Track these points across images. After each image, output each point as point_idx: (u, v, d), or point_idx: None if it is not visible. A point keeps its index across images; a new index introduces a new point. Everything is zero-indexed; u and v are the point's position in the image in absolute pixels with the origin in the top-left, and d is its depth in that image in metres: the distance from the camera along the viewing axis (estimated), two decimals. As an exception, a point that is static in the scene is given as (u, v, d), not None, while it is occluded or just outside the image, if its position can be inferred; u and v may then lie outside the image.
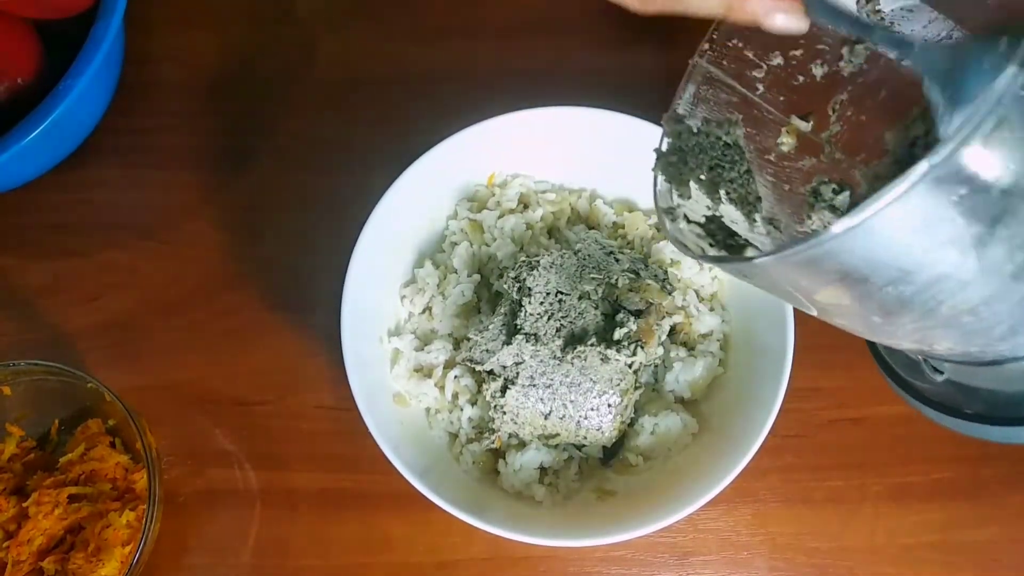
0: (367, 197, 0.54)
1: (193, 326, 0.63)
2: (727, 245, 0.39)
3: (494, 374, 0.54)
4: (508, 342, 0.53)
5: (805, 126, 0.42)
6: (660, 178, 0.41)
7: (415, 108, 0.67)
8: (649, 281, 0.54)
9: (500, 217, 0.59)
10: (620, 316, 0.53)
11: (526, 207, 0.60)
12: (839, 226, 0.26)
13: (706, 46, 0.42)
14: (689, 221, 0.40)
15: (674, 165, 0.41)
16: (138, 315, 0.63)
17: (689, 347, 0.57)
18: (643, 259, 0.57)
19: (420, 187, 0.56)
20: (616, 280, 0.54)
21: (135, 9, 0.64)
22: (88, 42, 0.56)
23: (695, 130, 0.41)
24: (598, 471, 0.57)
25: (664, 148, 0.41)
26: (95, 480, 0.56)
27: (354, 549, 0.58)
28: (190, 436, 0.60)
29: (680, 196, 0.41)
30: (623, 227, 0.60)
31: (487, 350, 0.54)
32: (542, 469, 0.56)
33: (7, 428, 0.58)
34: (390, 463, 0.50)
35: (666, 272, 0.56)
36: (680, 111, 0.41)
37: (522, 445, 0.55)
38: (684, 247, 0.37)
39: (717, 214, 0.40)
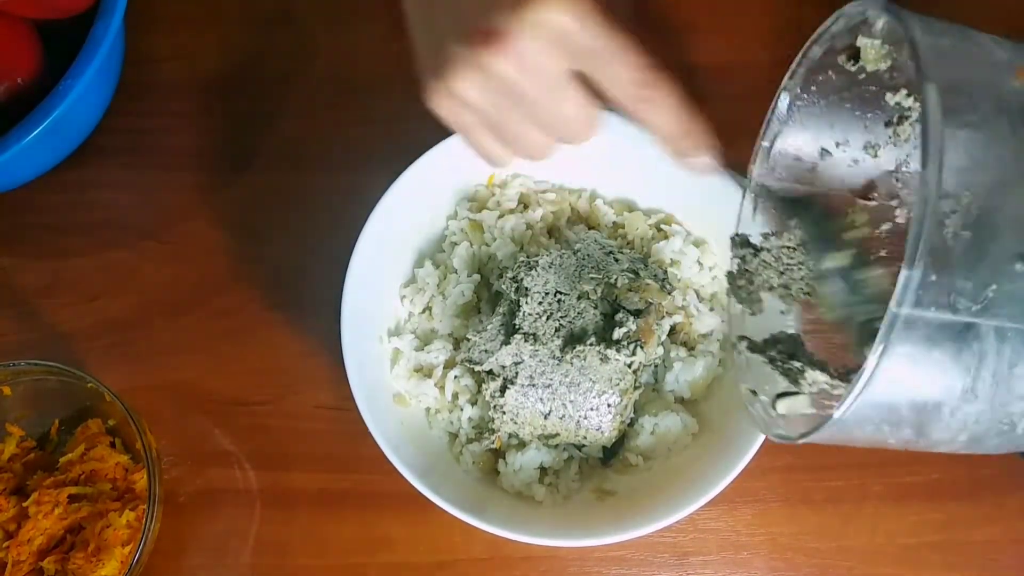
0: (367, 197, 0.54)
1: (193, 326, 0.63)
2: (786, 370, 0.41)
3: (493, 374, 0.54)
4: (507, 342, 0.53)
5: (872, 203, 0.44)
6: (733, 303, 0.43)
7: (415, 108, 0.67)
8: (648, 281, 0.54)
9: (500, 217, 0.59)
10: (619, 316, 0.53)
11: (526, 207, 0.60)
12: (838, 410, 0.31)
13: (754, 165, 0.44)
14: (752, 349, 0.41)
15: (743, 287, 0.42)
16: (138, 315, 0.63)
17: (689, 347, 0.57)
18: (643, 259, 0.57)
19: (420, 187, 0.56)
20: (615, 280, 0.54)
21: (135, 9, 0.64)
22: (88, 42, 0.56)
23: (758, 246, 0.42)
24: (598, 471, 0.57)
25: (734, 270, 0.42)
26: (95, 480, 0.56)
27: (354, 549, 0.58)
28: (190, 436, 0.60)
29: (752, 313, 0.43)
30: (623, 227, 0.60)
31: (486, 350, 0.54)
32: (542, 469, 0.56)
33: (7, 428, 0.58)
34: (390, 463, 0.50)
35: (666, 272, 0.56)
36: (743, 231, 0.42)
37: (522, 445, 0.55)
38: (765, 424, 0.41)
39: (784, 331, 0.43)
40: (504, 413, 0.53)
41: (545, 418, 0.53)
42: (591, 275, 0.55)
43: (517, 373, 0.53)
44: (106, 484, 0.56)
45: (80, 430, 0.58)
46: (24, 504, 0.55)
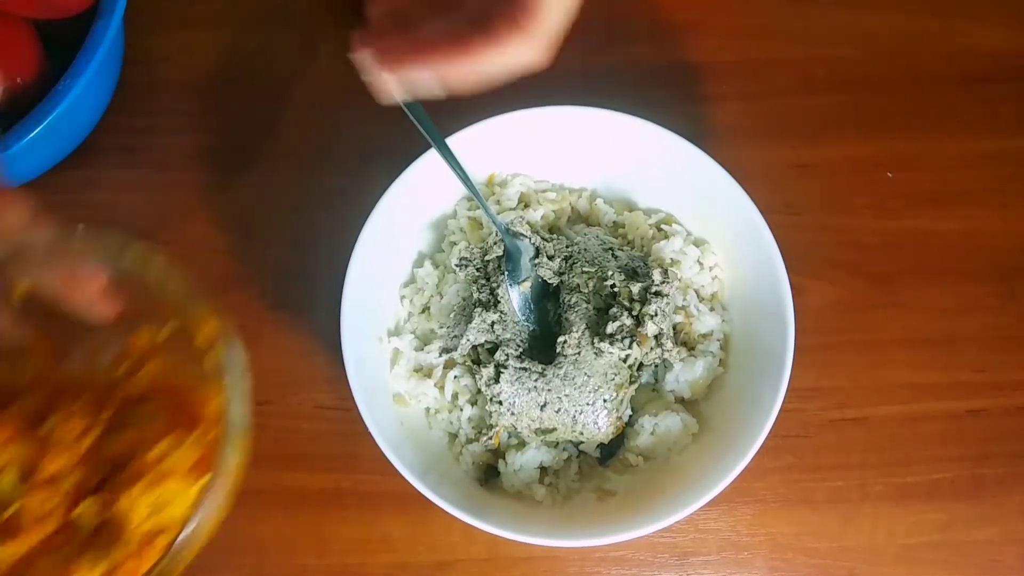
0: (367, 197, 0.54)
1: (193, 326, 0.63)
2: None
3: (483, 363, 0.54)
4: (469, 320, 0.54)
5: None
6: None
7: (415, 108, 0.67)
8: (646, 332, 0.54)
9: (500, 215, 0.59)
10: (614, 310, 0.53)
11: (526, 206, 0.60)
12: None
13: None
14: None
15: None
16: (138, 315, 0.63)
17: (689, 347, 0.57)
18: (642, 257, 0.57)
19: (420, 187, 0.56)
20: (611, 275, 0.55)
21: (135, 8, 0.64)
22: (88, 42, 0.56)
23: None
24: (598, 471, 0.57)
25: None
26: (146, 401, 0.43)
27: (354, 549, 0.58)
28: (190, 436, 0.60)
29: None
30: (623, 227, 0.60)
31: (455, 336, 0.55)
32: (542, 469, 0.56)
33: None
34: (390, 463, 0.50)
35: (666, 271, 0.56)
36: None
37: (522, 445, 0.55)
38: None
39: None
40: (501, 403, 0.53)
41: (541, 410, 0.53)
42: (584, 268, 0.55)
43: (499, 349, 0.53)
44: (163, 406, 0.43)
45: (130, 342, 0.45)
46: (46, 429, 0.40)
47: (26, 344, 0.42)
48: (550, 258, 0.56)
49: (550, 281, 0.56)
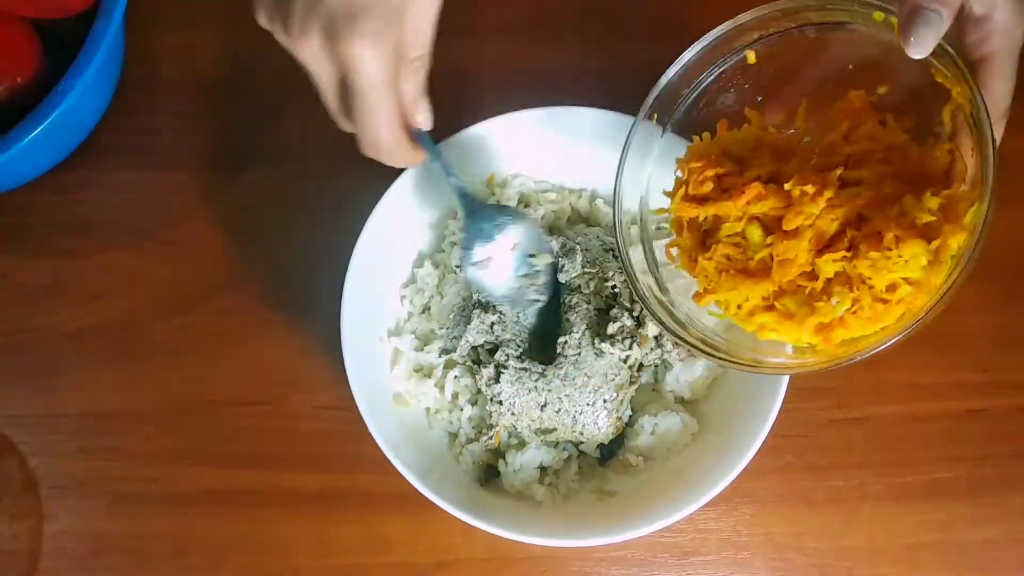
0: (367, 197, 0.54)
1: (193, 326, 0.63)
2: None
3: (483, 363, 0.54)
4: (468, 320, 0.54)
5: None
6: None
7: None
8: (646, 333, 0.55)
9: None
10: (614, 311, 0.53)
11: (526, 206, 0.60)
12: None
13: None
14: None
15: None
16: (138, 315, 0.63)
17: (689, 347, 0.57)
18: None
19: (420, 187, 0.56)
20: (611, 276, 0.54)
21: (135, 8, 0.64)
22: (88, 42, 0.56)
23: None
24: (598, 471, 0.57)
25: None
26: (864, 164, 0.43)
27: (354, 549, 0.58)
28: (190, 436, 0.60)
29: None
30: (623, 227, 0.60)
31: (455, 337, 0.55)
32: (542, 469, 0.56)
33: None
34: (390, 463, 0.50)
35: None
36: None
37: (522, 445, 0.55)
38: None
39: None
40: (501, 403, 0.53)
41: (541, 410, 0.53)
42: (584, 269, 0.55)
43: (508, 356, 0.53)
44: (883, 167, 0.43)
45: (840, 106, 0.45)
46: (786, 187, 0.42)
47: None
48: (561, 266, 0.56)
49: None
